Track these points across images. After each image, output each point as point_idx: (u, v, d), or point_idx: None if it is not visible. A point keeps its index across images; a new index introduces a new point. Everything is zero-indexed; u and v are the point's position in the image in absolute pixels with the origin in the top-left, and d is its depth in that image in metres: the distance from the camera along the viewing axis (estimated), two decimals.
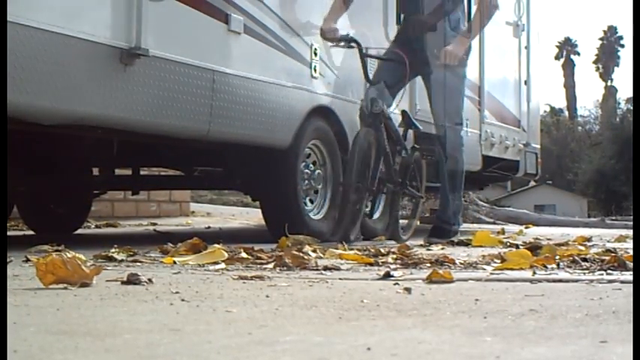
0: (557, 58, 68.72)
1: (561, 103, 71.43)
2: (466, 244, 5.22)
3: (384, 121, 5.63)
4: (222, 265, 3.24)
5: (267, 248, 3.96)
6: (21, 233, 6.72)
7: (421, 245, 4.99)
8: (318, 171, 5.86)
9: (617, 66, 69.89)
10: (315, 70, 5.75)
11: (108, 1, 4.27)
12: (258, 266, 3.26)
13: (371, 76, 5.64)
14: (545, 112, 54.66)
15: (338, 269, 3.17)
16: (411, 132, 6.07)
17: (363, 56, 5.59)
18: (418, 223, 6.40)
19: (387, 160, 5.70)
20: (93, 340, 1.52)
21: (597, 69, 70.40)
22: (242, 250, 3.65)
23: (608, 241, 5.63)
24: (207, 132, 4.87)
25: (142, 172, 6.86)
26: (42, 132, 4.64)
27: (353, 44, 5.56)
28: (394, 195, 5.94)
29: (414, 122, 6.06)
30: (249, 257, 3.50)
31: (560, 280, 2.73)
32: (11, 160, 5.14)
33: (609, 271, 2.98)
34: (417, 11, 5.88)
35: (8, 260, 3.25)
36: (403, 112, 6.00)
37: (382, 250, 4.01)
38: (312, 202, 5.84)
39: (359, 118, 5.59)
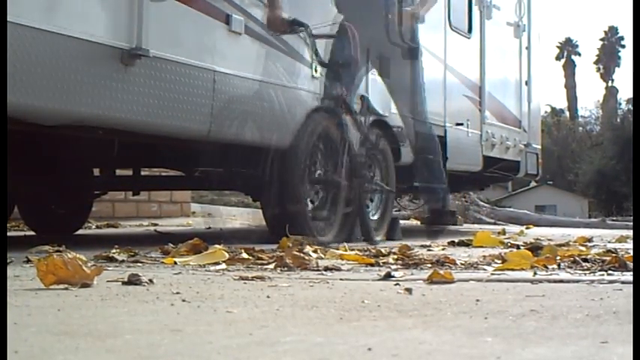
0: (557, 58, 68.81)
1: (562, 103, 71.54)
2: (467, 244, 5.22)
3: (345, 107, 5.28)
4: (223, 266, 3.24)
5: (268, 249, 3.96)
6: (21, 234, 6.71)
7: (422, 246, 4.99)
8: (318, 172, 5.84)
9: (618, 66, 69.94)
10: (315, 71, 5.74)
11: (109, 2, 4.27)
12: (259, 267, 3.26)
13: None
14: (545, 112, 54.70)
15: (339, 270, 3.17)
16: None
17: (312, 37, 5.23)
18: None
19: (351, 150, 5.33)
20: (94, 341, 1.52)
21: (598, 69, 70.42)
22: (243, 251, 3.65)
23: (609, 242, 5.63)
24: (207, 132, 4.86)
25: (142, 173, 6.86)
26: (43, 132, 4.64)
27: (301, 27, 5.20)
28: (362, 190, 5.55)
29: (375, 109, 5.70)
30: (250, 258, 3.50)
31: (560, 281, 2.73)
32: (12, 161, 5.14)
33: (610, 272, 2.98)
34: None
35: (9, 261, 3.25)
36: (362, 98, 5.65)
37: (383, 251, 4.01)
38: (312, 202, 5.83)
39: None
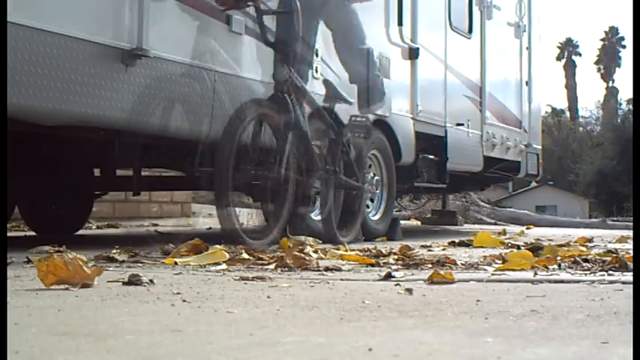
0: (558, 58, 68.82)
1: (563, 103, 71.62)
2: (467, 244, 5.22)
3: (294, 92, 4.74)
4: (224, 266, 3.24)
5: (269, 249, 3.96)
6: (22, 234, 6.72)
7: (422, 246, 4.99)
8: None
9: (619, 67, 69.93)
10: (316, 71, 5.74)
11: (109, 2, 4.27)
12: (260, 267, 3.26)
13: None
14: (546, 112, 54.67)
15: (339, 270, 3.17)
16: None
17: (261, 15, 4.73)
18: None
19: (305, 141, 4.81)
20: (94, 341, 1.52)
21: (599, 70, 70.41)
22: (243, 251, 3.65)
23: (610, 242, 5.63)
24: (208, 132, 4.86)
25: (143, 173, 6.86)
26: (43, 133, 4.64)
27: (249, 2, 4.78)
28: (326, 186, 5.08)
29: (342, 94, 5.20)
30: (251, 258, 3.50)
31: (561, 281, 2.73)
32: (12, 161, 5.14)
33: (610, 272, 2.98)
34: None
35: (9, 261, 3.25)
36: (326, 82, 5.26)
37: (383, 251, 4.02)
38: (313, 203, 5.81)
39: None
